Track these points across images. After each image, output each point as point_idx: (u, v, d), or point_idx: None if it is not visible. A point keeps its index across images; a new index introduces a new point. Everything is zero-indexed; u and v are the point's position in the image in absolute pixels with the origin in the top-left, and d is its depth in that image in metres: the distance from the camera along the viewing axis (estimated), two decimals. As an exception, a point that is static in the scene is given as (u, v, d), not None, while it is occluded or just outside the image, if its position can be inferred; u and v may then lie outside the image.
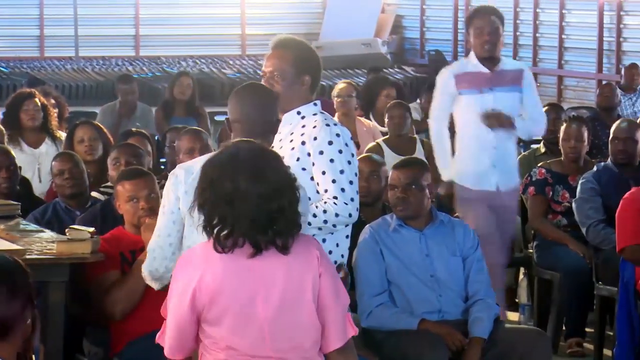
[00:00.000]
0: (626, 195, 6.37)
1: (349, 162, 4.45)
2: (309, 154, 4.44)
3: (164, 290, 4.34)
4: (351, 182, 4.43)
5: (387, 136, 8.39)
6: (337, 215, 4.35)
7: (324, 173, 4.40)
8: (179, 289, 3.45)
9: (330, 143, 4.42)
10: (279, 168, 3.47)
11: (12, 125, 7.75)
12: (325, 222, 4.34)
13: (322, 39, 18.17)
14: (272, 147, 4.29)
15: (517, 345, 5.29)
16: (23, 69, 16.94)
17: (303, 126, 4.52)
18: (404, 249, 5.28)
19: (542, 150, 8.19)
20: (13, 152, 6.39)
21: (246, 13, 19.48)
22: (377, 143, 8.18)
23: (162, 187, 4.58)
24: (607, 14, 16.11)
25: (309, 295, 3.39)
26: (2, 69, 16.89)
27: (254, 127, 4.17)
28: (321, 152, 4.40)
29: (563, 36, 16.67)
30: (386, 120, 8.43)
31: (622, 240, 6.28)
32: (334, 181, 4.38)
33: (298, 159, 4.45)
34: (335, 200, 4.36)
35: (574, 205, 6.99)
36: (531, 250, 7.29)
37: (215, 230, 3.37)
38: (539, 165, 7.45)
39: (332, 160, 4.40)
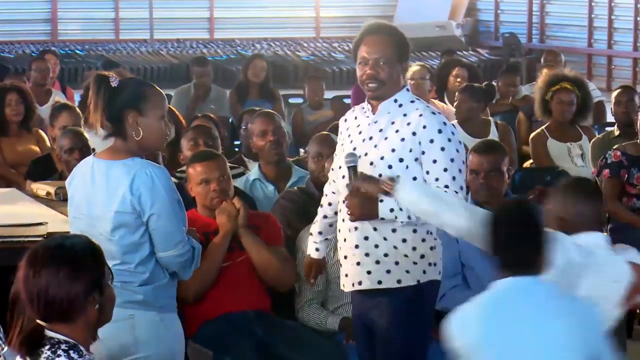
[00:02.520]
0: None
1: (457, 150, 4.45)
2: (419, 143, 4.43)
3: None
4: (460, 171, 4.44)
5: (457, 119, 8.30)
6: None
7: (435, 162, 4.39)
8: None
9: (439, 131, 4.40)
10: None
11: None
12: None
13: (396, 21, 18.12)
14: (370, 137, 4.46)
15: None
16: (98, 52, 17.15)
17: (404, 115, 4.48)
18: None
19: (617, 132, 8.08)
20: (87, 135, 6.44)
21: (321, -5, 19.54)
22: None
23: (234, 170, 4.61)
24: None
25: None
26: (77, 51, 17.11)
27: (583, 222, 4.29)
28: (432, 141, 4.39)
29: (639, 18, 16.50)
30: (455, 102, 8.32)
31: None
32: (445, 170, 4.38)
33: (410, 150, 4.43)
34: (446, 189, 4.37)
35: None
36: (606, 233, 7.28)
37: None
38: (614, 147, 7.38)
39: (442, 149, 4.38)
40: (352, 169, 4.43)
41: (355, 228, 4.50)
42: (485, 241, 3.88)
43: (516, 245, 3.78)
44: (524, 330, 3.65)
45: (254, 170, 6.29)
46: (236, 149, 7.84)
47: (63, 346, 3.12)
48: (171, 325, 4.37)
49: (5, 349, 3.47)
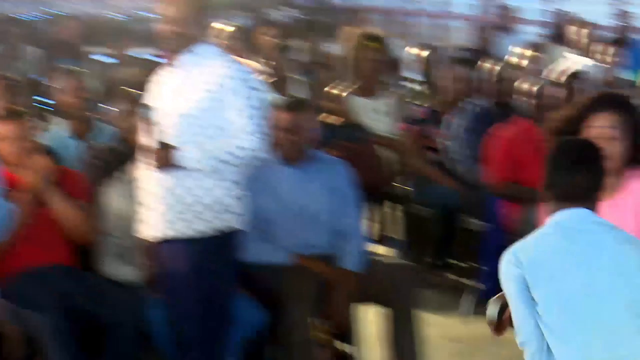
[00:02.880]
0: (496, 131, 6.77)
1: (258, 103, 4.97)
2: (221, 94, 4.87)
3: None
4: (260, 123, 4.94)
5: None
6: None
7: (238, 111, 4.87)
8: None
9: (241, 82, 4.91)
10: None
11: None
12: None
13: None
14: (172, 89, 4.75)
15: (389, 279, 5.63)
16: None
17: (205, 67, 4.87)
18: (278, 185, 5.50)
19: (419, 88, 8.56)
20: None
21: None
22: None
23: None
24: None
25: None
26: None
27: None
28: (235, 92, 4.88)
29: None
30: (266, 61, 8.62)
31: (491, 176, 6.76)
32: (248, 119, 4.88)
33: (213, 101, 4.87)
34: (247, 138, 4.82)
35: (448, 142, 7.34)
36: (405, 187, 7.68)
37: None
38: (415, 103, 7.80)
39: (246, 98, 4.91)
40: (147, 119, 4.77)
41: (158, 177, 4.74)
42: None
43: (576, 177, 3.88)
44: (602, 254, 3.74)
45: (60, 127, 6.51)
46: (44, 107, 7.98)
47: None
48: None
49: None
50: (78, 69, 7.48)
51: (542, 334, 3.63)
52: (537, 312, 3.64)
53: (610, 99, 4.66)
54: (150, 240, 4.88)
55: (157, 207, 4.80)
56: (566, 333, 3.61)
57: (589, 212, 3.84)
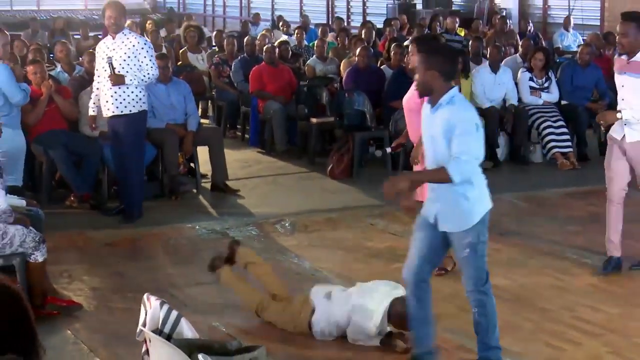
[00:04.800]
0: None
1: None
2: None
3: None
4: None
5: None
6: None
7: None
8: None
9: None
10: None
11: None
12: None
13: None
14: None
15: (208, 132, 11.39)
16: None
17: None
18: (161, 92, 11.27)
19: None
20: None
21: None
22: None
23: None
24: None
25: None
26: None
27: None
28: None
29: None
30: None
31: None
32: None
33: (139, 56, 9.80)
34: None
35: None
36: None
37: None
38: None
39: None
40: (110, 64, 9.72)
41: (114, 90, 10.27)
42: None
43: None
44: None
45: (58, 68, 11.82)
46: (50, 58, 13.29)
47: None
48: (18, 134, 9.48)
49: None
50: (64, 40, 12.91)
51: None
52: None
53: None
54: (109, 116, 9.72)
55: (111, 101, 9.52)
56: None
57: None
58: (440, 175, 5.59)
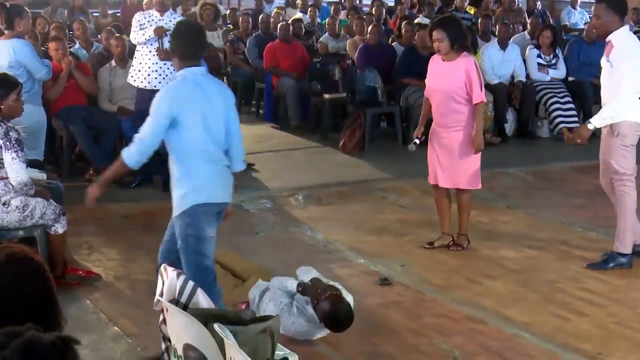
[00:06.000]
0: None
1: None
2: None
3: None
4: None
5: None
6: None
7: None
8: None
9: None
10: None
11: None
12: None
13: None
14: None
15: None
16: None
17: None
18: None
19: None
20: None
21: None
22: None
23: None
24: None
25: None
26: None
27: None
28: None
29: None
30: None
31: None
32: None
33: None
34: None
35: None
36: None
37: None
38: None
39: None
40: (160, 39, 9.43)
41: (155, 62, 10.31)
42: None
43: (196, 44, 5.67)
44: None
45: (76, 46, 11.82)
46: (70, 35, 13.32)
47: None
48: (39, 109, 9.48)
49: None
50: (82, 18, 12.90)
51: None
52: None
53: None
54: (151, 88, 9.34)
55: (154, 75, 9.33)
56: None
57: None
58: (118, 164, 5.55)
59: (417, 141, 7.92)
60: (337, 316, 5.82)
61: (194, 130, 5.48)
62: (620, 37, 7.04)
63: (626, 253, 7.26)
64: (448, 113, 7.55)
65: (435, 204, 7.97)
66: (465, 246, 7.85)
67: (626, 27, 7.18)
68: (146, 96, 9.36)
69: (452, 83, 7.44)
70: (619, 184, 7.11)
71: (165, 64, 9.37)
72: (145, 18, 9.63)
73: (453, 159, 7.60)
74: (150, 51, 9.48)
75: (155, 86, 9.27)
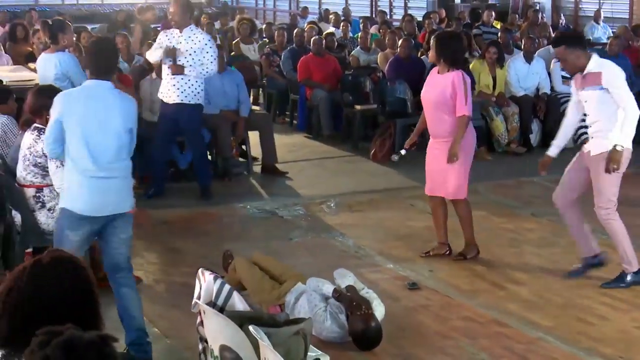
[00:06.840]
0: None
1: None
2: None
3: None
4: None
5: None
6: None
7: None
8: None
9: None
10: None
11: None
12: None
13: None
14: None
15: (259, 118, 11.42)
16: None
17: None
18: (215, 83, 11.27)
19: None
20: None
21: None
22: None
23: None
24: None
25: None
26: None
27: None
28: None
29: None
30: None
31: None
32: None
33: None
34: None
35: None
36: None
37: None
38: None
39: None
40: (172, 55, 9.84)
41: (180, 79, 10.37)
42: None
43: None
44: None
45: None
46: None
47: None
48: None
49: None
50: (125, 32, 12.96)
51: None
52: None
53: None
54: (172, 102, 9.75)
55: (172, 90, 9.45)
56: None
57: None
58: None
59: (403, 152, 7.98)
60: (365, 338, 5.86)
61: (72, 138, 5.51)
62: (603, 64, 7.00)
63: (637, 270, 7.15)
64: (438, 124, 7.57)
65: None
66: (469, 257, 7.75)
67: (595, 55, 7.14)
68: (169, 109, 9.64)
69: (440, 94, 7.45)
70: (604, 212, 6.97)
71: (182, 78, 9.45)
72: (166, 36, 9.64)
73: (441, 169, 7.59)
74: (168, 67, 9.54)
75: (174, 100, 9.50)
